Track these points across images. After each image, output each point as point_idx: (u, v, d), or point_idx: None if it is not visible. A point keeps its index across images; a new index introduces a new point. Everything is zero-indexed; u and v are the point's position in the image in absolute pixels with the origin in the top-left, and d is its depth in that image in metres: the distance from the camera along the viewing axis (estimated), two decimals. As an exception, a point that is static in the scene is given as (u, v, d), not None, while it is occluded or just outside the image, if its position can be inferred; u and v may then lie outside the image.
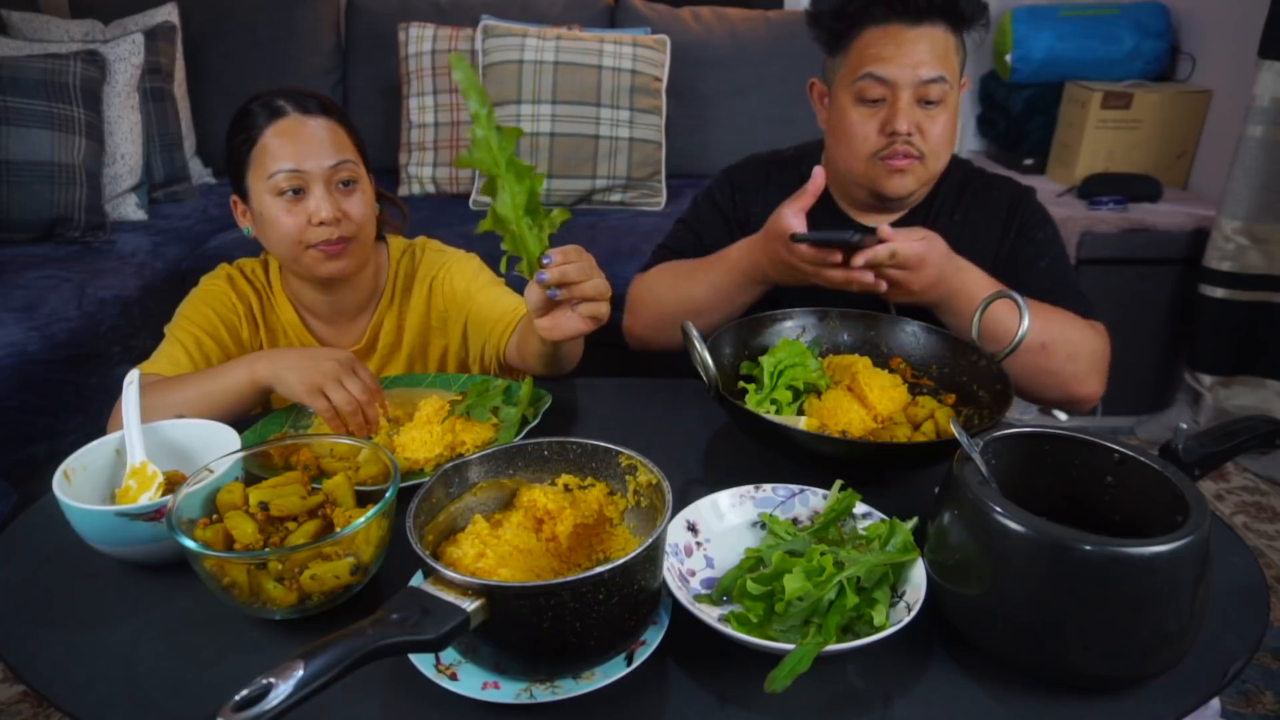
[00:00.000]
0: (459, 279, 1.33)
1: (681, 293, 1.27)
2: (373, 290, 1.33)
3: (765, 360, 1.07)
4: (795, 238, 1.09)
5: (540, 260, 0.92)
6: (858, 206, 1.35)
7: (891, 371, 1.11)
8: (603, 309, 0.98)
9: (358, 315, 1.34)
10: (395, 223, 1.41)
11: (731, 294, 1.23)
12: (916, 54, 1.18)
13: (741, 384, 1.10)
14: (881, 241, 1.08)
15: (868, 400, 1.05)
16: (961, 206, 1.34)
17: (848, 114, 1.24)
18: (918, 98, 1.20)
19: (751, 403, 1.04)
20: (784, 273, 1.16)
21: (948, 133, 1.23)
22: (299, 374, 1.04)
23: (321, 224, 1.17)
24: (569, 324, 0.98)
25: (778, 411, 1.04)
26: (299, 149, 1.17)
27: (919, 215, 1.35)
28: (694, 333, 0.98)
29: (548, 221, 0.93)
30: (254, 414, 1.16)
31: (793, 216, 1.11)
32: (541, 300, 0.97)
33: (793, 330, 1.17)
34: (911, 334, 1.15)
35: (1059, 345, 1.17)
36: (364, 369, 1.08)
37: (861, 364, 1.10)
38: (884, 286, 1.11)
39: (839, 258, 1.09)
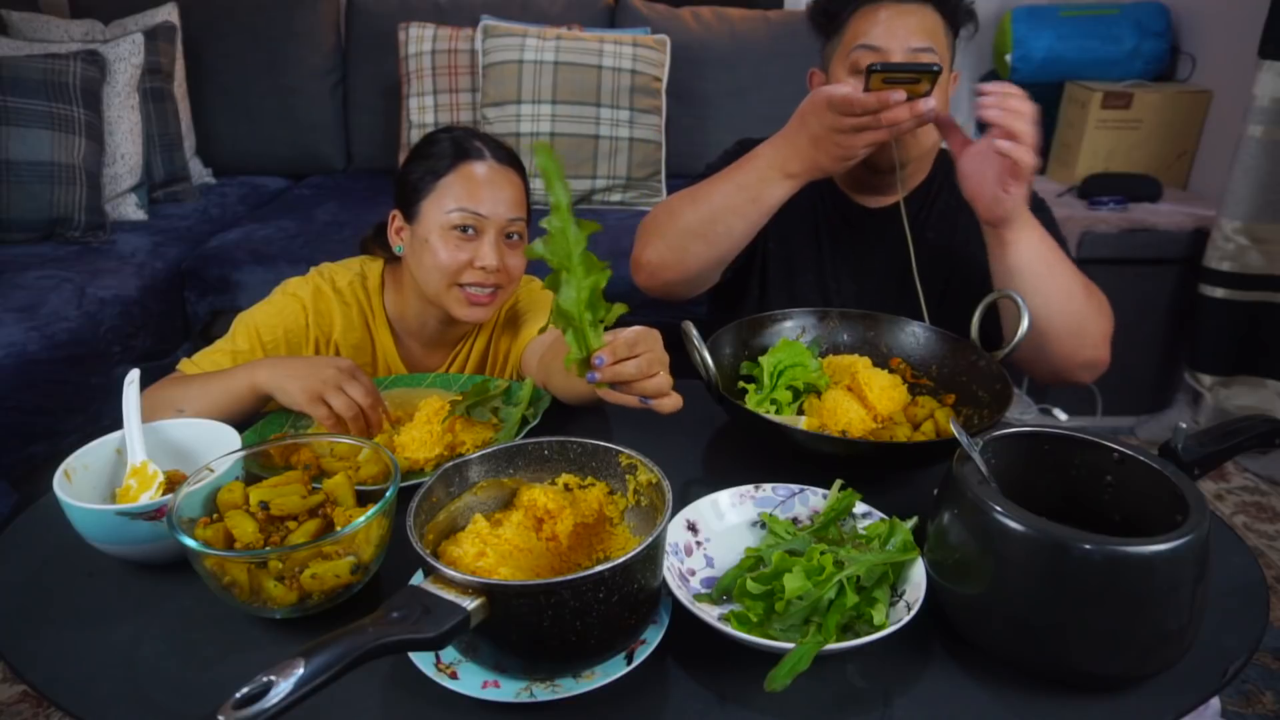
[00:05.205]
0: (522, 302, 1.35)
1: (701, 201, 1.21)
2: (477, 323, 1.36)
3: (765, 360, 1.07)
4: (872, 68, 1.03)
5: (593, 360, 0.84)
6: (856, 186, 1.37)
7: (891, 371, 1.11)
8: (665, 404, 0.87)
9: (455, 343, 1.37)
10: None
11: (759, 191, 1.16)
12: (906, 25, 1.22)
13: (741, 384, 1.10)
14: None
15: (868, 400, 1.05)
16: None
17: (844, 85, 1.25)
18: None
19: (751, 403, 1.04)
20: (827, 147, 1.10)
21: (938, 104, 1.23)
22: (300, 382, 1.04)
23: (482, 269, 1.20)
24: (622, 396, 0.87)
25: (778, 411, 1.04)
26: (484, 194, 1.21)
27: (918, 195, 1.35)
28: (694, 333, 0.98)
29: (609, 315, 0.84)
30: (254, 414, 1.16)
31: (835, 86, 1.07)
32: None
33: (793, 330, 1.17)
34: (911, 334, 1.15)
35: (1096, 295, 1.17)
36: (363, 375, 1.08)
37: (861, 364, 1.10)
38: (1003, 120, 1.03)
39: (904, 97, 1.04)
